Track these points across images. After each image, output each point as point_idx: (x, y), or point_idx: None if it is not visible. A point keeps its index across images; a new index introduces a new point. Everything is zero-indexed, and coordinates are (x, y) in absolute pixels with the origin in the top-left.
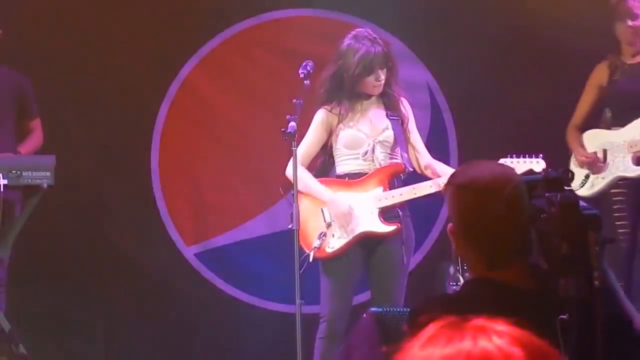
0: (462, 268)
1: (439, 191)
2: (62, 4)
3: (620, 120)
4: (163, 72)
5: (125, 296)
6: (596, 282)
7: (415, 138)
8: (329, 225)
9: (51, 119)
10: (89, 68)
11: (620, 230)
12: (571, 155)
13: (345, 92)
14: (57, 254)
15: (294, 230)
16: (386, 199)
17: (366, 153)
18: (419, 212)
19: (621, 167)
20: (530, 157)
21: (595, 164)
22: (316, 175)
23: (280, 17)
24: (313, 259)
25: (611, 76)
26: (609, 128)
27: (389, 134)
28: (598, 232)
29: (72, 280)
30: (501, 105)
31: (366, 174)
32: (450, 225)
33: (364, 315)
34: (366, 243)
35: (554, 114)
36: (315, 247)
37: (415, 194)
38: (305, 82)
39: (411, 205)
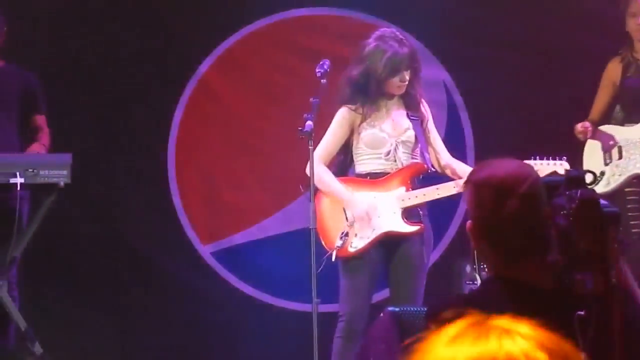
0: (479, 267)
1: (461, 191)
2: (78, 2)
3: (633, 117)
4: (179, 71)
5: (141, 295)
6: (613, 279)
7: (435, 138)
8: (351, 225)
9: (67, 117)
10: (105, 67)
11: (633, 230)
12: (584, 151)
13: (371, 93)
14: (72, 253)
15: (312, 228)
16: (409, 199)
17: (389, 153)
18: (435, 210)
19: (638, 164)
20: (555, 159)
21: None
22: (335, 174)
23: (296, 16)
24: (335, 258)
25: (624, 73)
26: (621, 124)
27: (411, 134)
28: (617, 230)
29: (88, 280)
30: (518, 105)
31: (388, 173)
32: (468, 222)
33: (382, 314)
34: (388, 242)
35: (571, 113)
36: (337, 247)
37: (438, 194)
38: (322, 81)
39: (428, 204)
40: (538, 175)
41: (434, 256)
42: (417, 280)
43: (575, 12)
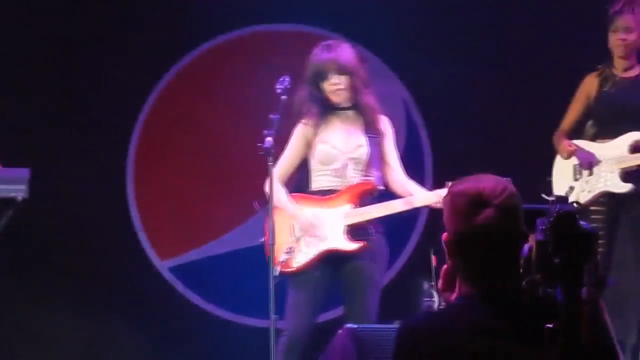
0: (436, 284)
1: (409, 209)
2: (38, 9)
3: (606, 133)
4: (141, 83)
5: (100, 310)
6: (584, 296)
7: (392, 157)
8: (297, 240)
9: (26, 131)
10: (66, 78)
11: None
12: (553, 166)
13: (318, 105)
14: (32, 268)
15: (270, 245)
16: (354, 216)
17: (337, 170)
18: (393, 227)
19: (608, 182)
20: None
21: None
22: (293, 191)
23: (260, 31)
24: (280, 273)
25: (600, 88)
26: (592, 140)
27: (363, 151)
28: (593, 249)
29: (48, 294)
30: (479, 124)
31: (337, 191)
32: (444, 234)
33: (340, 331)
34: (333, 259)
35: (534, 131)
36: (281, 261)
37: (384, 212)
38: (282, 97)
39: (385, 221)
40: (516, 191)
41: (391, 274)
42: (367, 296)
43: (540, 27)
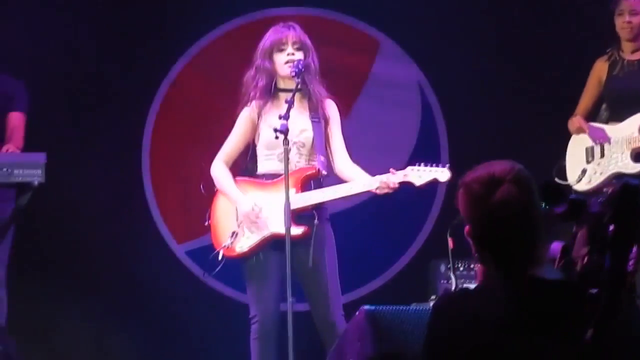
0: (454, 266)
1: (351, 195)
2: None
3: (618, 116)
4: (154, 71)
5: (116, 294)
6: (630, 267)
7: (336, 141)
8: (240, 225)
9: (42, 118)
10: (79, 67)
11: None
12: (566, 150)
13: (265, 81)
14: (47, 252)
15: (286, 228)
16: (297, 201)
17: (281, 154)
18: (409, 210)
19: (619, 163)
20: (437, 165)
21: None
22: (240, 174)
23: (270, 16)
24: (223, 257)
25: (610, 71)
26: (605, 123)
27: (307, 136)
28: None
29: (64, 280)
30: (494, 106)
31: (281, 175)
32: (467, 227)
33: (357, 313)
34: (278, 245)
35: (549, 114)
36: (224, 246)
37: (324, 197)
38: (296, 80)
39: (402, 204)
40: (526, 170)
41: (409, 256)
42: (318, 282)
43: (555, 10)
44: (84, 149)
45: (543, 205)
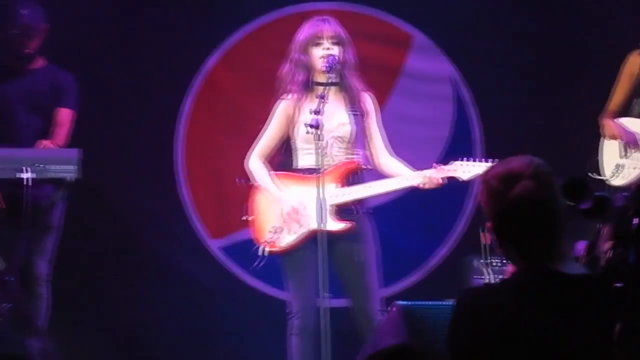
0: (487, 261)
1: (394, 190)
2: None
3: None
4: (186, 66)
5: (150, 289)
6: None
7: (376, 135)
8: (281, 220)
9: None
10: (112, 62)
11: None
12: (600, 144)
13: (303, 76)
14: (81, 247)
15: (319, 223)
16: (339, 196)
17: (322, 148)
18: (443, 206)
19: None
20: (481, 161)
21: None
22: (277, 168)
23: (303, 11)
24: (266, 252)
25: None
26: (637, 117)
27: (347, 130)
28: None
29: (97, 275)
30: (527, 99)
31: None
32: (488, 223)
33: (391, 309)
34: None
35: (583, 108)
36: (266, 241)
37: (369, 192)
38: (328, 75)
39: (435, 199)
40: (547, 165)
41: (442, 251)
42: (360, 276)
43: (589, 5)
44: (117, 145)
45: (567, 201)
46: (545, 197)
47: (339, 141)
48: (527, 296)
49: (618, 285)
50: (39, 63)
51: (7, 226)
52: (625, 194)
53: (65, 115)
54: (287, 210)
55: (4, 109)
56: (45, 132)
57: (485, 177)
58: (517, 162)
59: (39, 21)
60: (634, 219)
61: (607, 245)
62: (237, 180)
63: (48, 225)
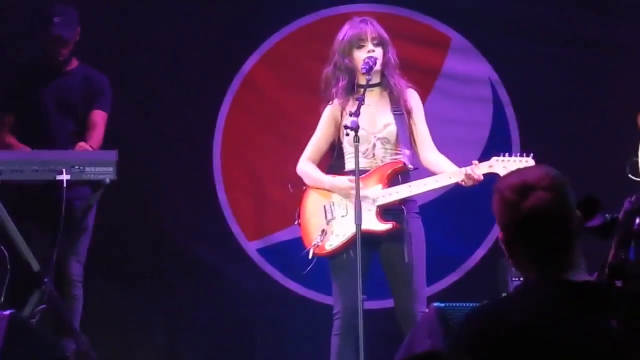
0: None
1: (440, 187)
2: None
3: None
4: (225, 67)
5: (187, 292)
6: None
7: (422, 133)
8: (329, 222)
9: (114, 113)
10: (152, 64)
11: None
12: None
13: (347, 79)
14: (118, 249)
15: (356, 224)
16: (383, 196)
17: (367, 150)
18: (480, 206)
19: None
20: (521, 156)
21: None
22: (327, 172)
23: (341, 13)
24: (313, 255)
25: None
26: None
27: (391, 130)
28: None
29: (134, 275)
30: (566, 103)
31: (368, 171)
32: (500, 234)
33: (427, 310)
34: (367, 242)
35: (620, 108)
36: (315, 244)
37: (411, 191)
38: (367, 77)
39: (471, 199)
40: (563, 176)
41: (480, 251)
42: (404, 277)
43: (630, 7)
44: (155, 146)
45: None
46: (559, 210)
47: (384, 142)
48: (539, 305)
49: (618, 284)
50: (72, 64)
51: (41, 228)
52: (631, 198)
53: (99, 117)
54: (342, 192)
55: (38, 112)
56: (79, 134)
57: (498, 186)
58: (532, 173)
59: (71, 28)
60: (636, 219)
61: (612, 250)
62: (289, 186)
63: (83, 227)
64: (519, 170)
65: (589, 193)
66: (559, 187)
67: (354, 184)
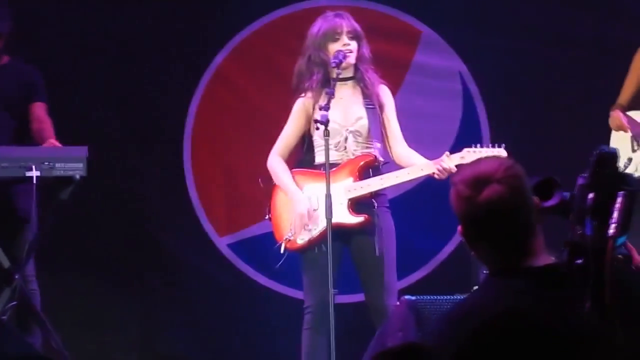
0: None
1: (410, 180)
2: None
3: None
4: (196, 61)
5: (158, 287)
6: (611, 231)
7: (393, 128)
8: (298, 220)
9: (84, 108)
10: (121, 58)
11: None
12: (610, 136)
13: (320, 72)
14: (90, 245)
15: (327, 218)
16: (355, 189)
17: (338, 143)
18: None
19: None
20: (493, 146)
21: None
22: (297, 165)
23: (312, 6)
24: (285, 249)
25: None
26: None
27: (363, 124)
28: (630, 190)
29: (106, 271)
30: (536, 95)
31: (339, 164)
32: (459, 227)
33: (398, 303)
34: (339, 235)
35: (590, 103)
36: (286, 239)
37: (382, 184)
38: (337, 71)
39: (441, 192)
40: (518, 166)
41: (451, 245)
42: (378, 271)
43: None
44: (125, 142)
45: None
46: (515, 201)
47: (356, 135)
48: (506, 294)
49: (579, 261)
50: (3, 60)
51: (11, 224)
52: (584, 174)
53: (42, 110)
54: (298, 214)
55: None
56: (19, 129)
57: (453, 180)
58: (485, 166)
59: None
60: (589, 194)
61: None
62: (259, 180)
63: (26, 221)
64: (473, 163)
65: (544, 176)
66: (513, 178)
67: (311, 207)
